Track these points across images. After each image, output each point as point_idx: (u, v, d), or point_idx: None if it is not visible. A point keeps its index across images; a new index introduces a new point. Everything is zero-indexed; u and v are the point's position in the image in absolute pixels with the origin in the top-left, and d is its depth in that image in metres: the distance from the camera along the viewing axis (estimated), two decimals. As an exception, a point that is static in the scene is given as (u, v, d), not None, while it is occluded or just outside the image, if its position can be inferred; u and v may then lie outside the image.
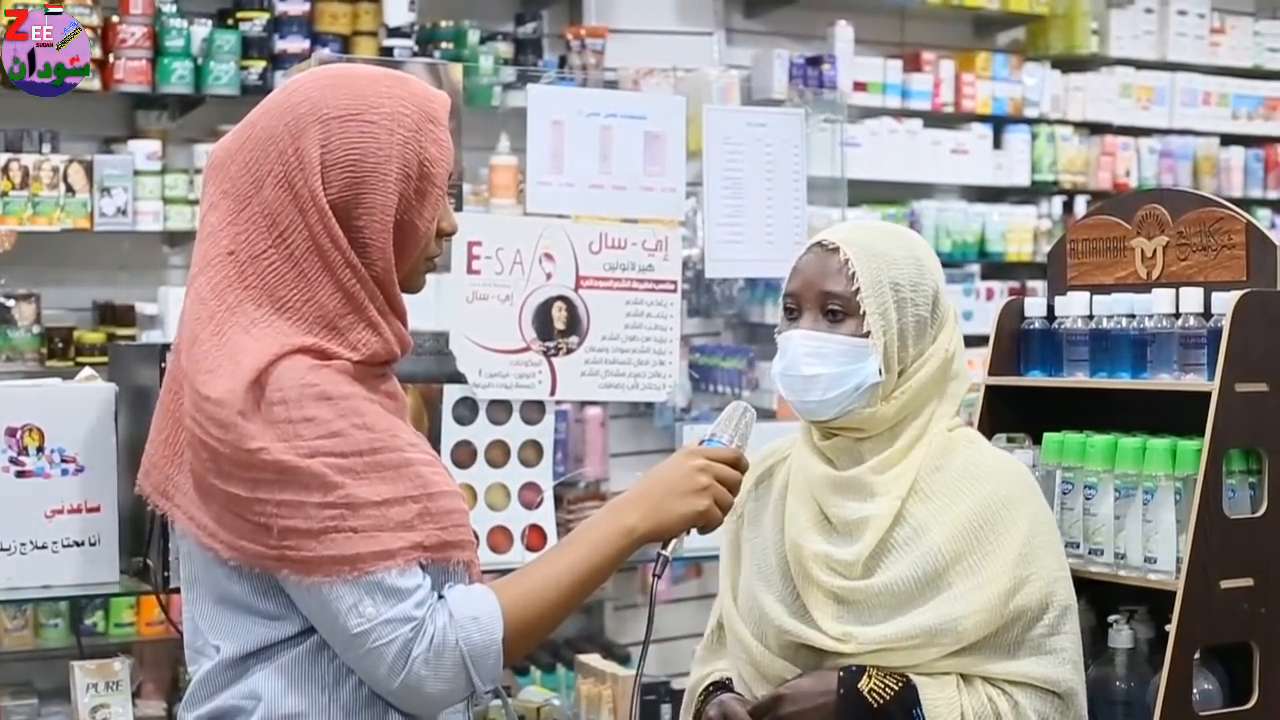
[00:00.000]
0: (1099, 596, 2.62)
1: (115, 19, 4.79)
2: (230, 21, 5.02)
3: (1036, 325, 2.81)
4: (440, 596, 1.84)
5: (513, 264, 3.51)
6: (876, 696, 2.19)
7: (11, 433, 2.90)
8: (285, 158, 1.85)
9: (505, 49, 5.39)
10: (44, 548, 2.92)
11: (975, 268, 6.29)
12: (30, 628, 4.58)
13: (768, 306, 5.39)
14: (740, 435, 2.08)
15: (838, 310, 2.27)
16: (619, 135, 3.64)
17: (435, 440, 3.47)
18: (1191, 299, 2.54)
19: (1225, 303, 2.45)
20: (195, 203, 4.88)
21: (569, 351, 3.56)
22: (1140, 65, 6.74)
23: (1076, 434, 2.61)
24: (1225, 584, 2.41)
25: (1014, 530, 2.25)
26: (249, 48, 4.98)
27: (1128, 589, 2.54)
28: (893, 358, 2.27)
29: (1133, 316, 2.64)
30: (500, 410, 3.53)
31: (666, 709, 3.59)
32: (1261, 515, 2.46)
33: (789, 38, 5.94)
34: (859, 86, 6.03)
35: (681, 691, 3.32)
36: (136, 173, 4.80)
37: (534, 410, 3.57)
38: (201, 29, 4.94)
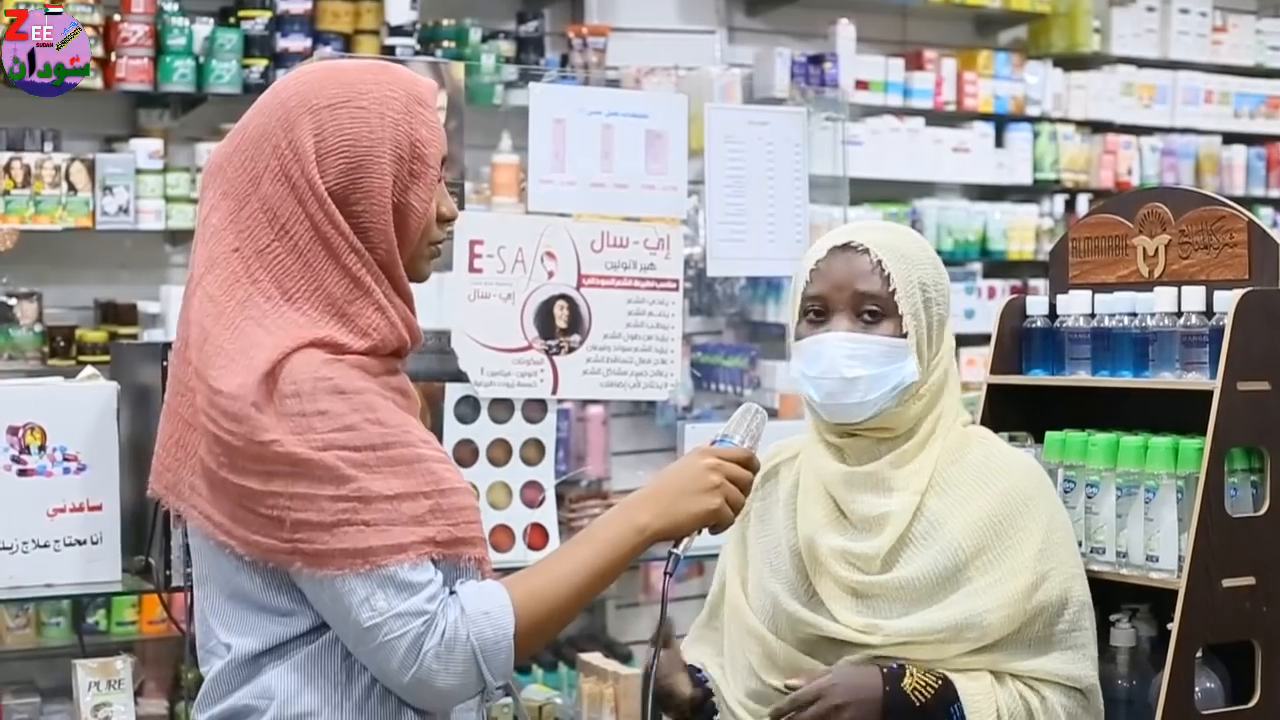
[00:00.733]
0: (1101, 595, 2.61)
1: (117, 17, 4.79)
2: (232, 20, 5.02)
3: (1038, 324, 2.81)
4: (452, 592, 1.84)
5: (514, 262, 3.51)
6: (919, 695, 2.20)
7: (13, 431, 2.90)
8: (280, 152, 1.86)
9: (507, 47, 5.40)
10: (46, 546, 2.92)
11: (977, 266, 6.29)
12: (32, 626, 4.58)
13: (769, 305, 5.40)
14: (752, 436, 2.08)
15: (875, 311, 2.28)
16: (621, 134, 3.64)
17: (437, 439, 3.47)
18: (1193, 298, 2.54)
19: (1227, 301, 2.45)
20: (197, 201, 4.85)
21: (571, 350, 3.56)
22: (1142, 64, 6.74)
23: (1078, 433, 2.61)
24: (1227, 583, 2.41)
25: (1033, 526, 2.27)
26: (251, 46, 4.98)
27: (1130, 587, 2.54)
28: (924, 357, 2.29)
29: (1134, 315, 2.64)
30: (502, 409, 3.53)
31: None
32: (1263, 514, 2.46)
33: (791, 36, 5.94)
34: (861, 85, 6.03)
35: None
36: (138, 171, 4.81)
37: (536, 409, 3.57)
38: (203, 27, 4.94)
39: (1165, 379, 2.56)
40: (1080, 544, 2.57)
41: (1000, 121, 6.39)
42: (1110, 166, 6.61)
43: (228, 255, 1.86)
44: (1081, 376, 2.71)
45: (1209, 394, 2.42)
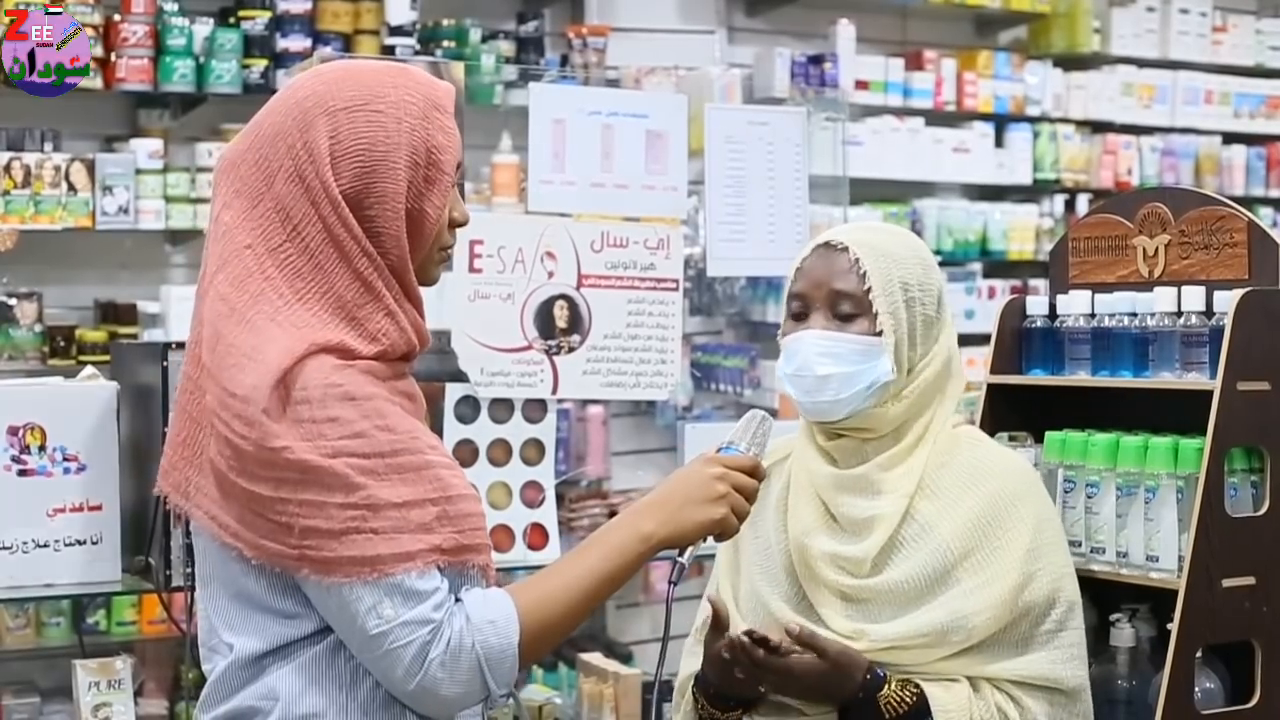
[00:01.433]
0: (1101, 595, 2.62)
1: (117, 18, 4.79)
2: (232, 20, 5.02)
3: (1038, 324, 2.81)
4: (457, 599, 1.84)
5: (514, 262, 3.51)
6: (891, 709, 2.19)
7: (13, 431, 2.89)
8: (295, 152, 1.85)
9: (507, 47, 5.40)
10: (46, 546, 2.92)
11: (977, 266, 6.29)
12: (32, 626, 4.58)
13: (769, 305, 5.39)
14: (757, 443, 2.08)
15: (849, 310, 2.28)
16: (621, 134, 3.64)
17: (438, 439, 3.47)
18: (1193, 298, 2.54)
19: (1227, 301, 2.45)
20: (197, 201, 4.89)
21: (571, 350, 3.56)
22: (1142, 64, 6.74)
23: (1078, 433, 2.61)
24: (1227, 583, 2.41)
25: (1021, 526, 2.26)
26: (251, 46, 4.99)
27: (1129, 587, 2.54)
28: (903, 357, 2.28)
29: (1134, 315, 2.64)
30: (502, 409, 3.53)
31: (668, 707, 3.59)
32: (1263, 514, 2.46)
33: (791, 36, 5.94)
34: (861, 85, 6.03)
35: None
36: (138, 171, 4.81)
37: (536, 409, 3.57)
38: (203, 28, 4.94)
39: (1165, 379, 2.56)
40: (1080, 544, 2.57)
41: (1000, 121, 6.39)
42: (1110, 166, 6.61)
43: (240, 252, 1.86)
44: (1081, 376, 2.71)
45: (1209, 394, 2.42)
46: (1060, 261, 2.87)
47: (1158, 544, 2.47)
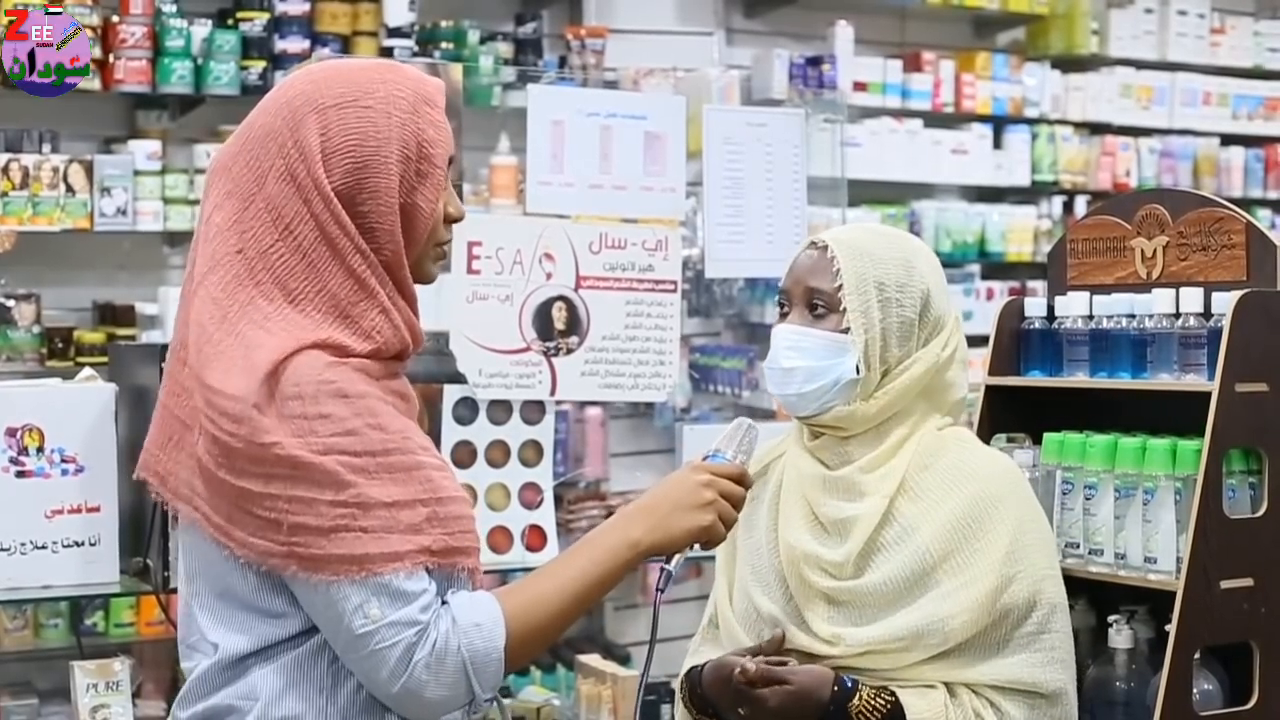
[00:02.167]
0: (1099, 597, 2.62)
1: (115, 19, 4.79)
2: (230, 21, 5.02)
3: (1036, 325, 2.81)
4: (444, 602, 1.84)
5: (513, 264, 3.51)
6: (863, 717, 2.19)
7: (11, 433, 2.89)
8: (286, 151, 1.85)
9: (505, 49, 5.39)
10: (44, 548, 2.92)
11: (975, 268, 6.29)
12: (30, 628, 4.58)
13: (768, 306, 5.39)
14: (744, 450, 2.09)
15: (820, 306, 2.30)
16: (619, 135, 3.64)
17: (435, 440, 3.47)
18: (1191, 299, 2.54)
19: (1225, 303, 2.45)
20: (196, 203, 4.88)
21: (569, 351, 3.56)
22: (1140, 65, 6.74)
23: (1076, 434, 2.61)
24: (1225, 584, 2.41)
25: (1001, 528, 2.25)
26: (249, 48, 4.98)
27: (1128, 589, 2.54)
28: (874, 356, 2.27)
29: (1133, 316, 2.64)
30: (500, 410, 3.53)
31: (667, 709, 3.59)
32: (1261, 515, 2.46)
33: (789, 38, 5.94)
34: (859, 86, 6.03)
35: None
36: (136, 173, 4.80)
37: (534, 410, 3.57)
38: (202, 29, 4.94)
39: (1163, 380, 2.56)
40: (1078, 546, 2.57)
41: (998, 123, 6.39)
42: (1108, 168, 6.61)
43: (231, 257, 1.85)
44: (1080, 378, 2.71)
45: (1207, 395, 2.42)
46: (1058, 263, 2.87)
47: (1156, 545, 2.47)
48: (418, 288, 1.95)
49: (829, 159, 4.26)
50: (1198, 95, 6.87)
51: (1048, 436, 2.66)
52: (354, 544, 1.77)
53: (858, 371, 2.27)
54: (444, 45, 5.20)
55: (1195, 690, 2.42)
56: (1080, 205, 6.51)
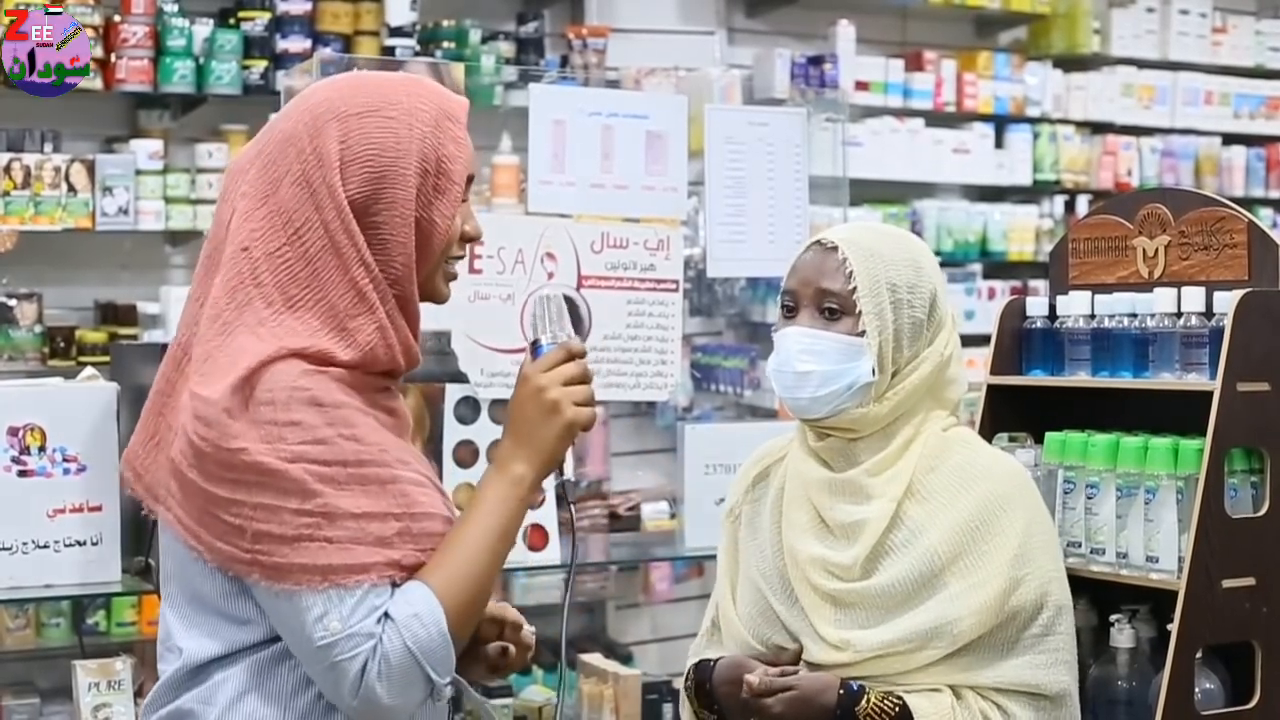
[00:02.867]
0: (1101, 596, 2.62)
1: (117, 18, 4.79)
2: (232, 21, 5.02)
3: (1038, 324, 2.81)
4: None
5: (514, 263, 3.51)
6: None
7: (13, 432, 2.89)
8: (304, 156, 1.85)
9: (507, 48, 5.39)
10: (46, 547, 2.92)
11: (977, 267, 6.29)
12: (32, 627, 4.58)
13: (769, 306, 5.39)
14: (558, 326, 2.00)
15: (834, 308, 2.28)
16: (621, 135, 3.63)
17: (437, 440, 3.47)
18: (1193, 298, 2.54)
19: (1227, 302, 2.45)
20: (197, 202, 4.89)
21: (571, 351, 3.55)
22: (1142, 64, 6.74)
23: (1078, 433, 2.61)
24: (1227, 583, 2.41)
25: (1010, 530, 2.25)
26: (251, 47, 4.99)
27: (1129, 588, 2.54)
28: (887, 358, 2.27)
29: (1134, 316, 2.64)
30: (502, 409, 3.51)
31: (668, 708, 3.59)
32: (1263, 515, 2.46)
33: (791, 37, 5.94)
34: (861, 86, 6.03)
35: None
36: (138, 172, 4.81)
37: (536, 410, 3.56)
38: (203, 28, 4.94)
39: (1165, 380, 2.56)
40: (1080, 545, 2.57)
41: (1000, 122, 6.39)
42: (1110, 167, 6.61)
43: (236, 254, 1.85)
44: (1081, 377, 2.71)
45: (1209, 395, 2.42)
46: (1060, 262, 2.87)
47: (1158, 545, 2.47)
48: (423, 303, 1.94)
49: (830, 158, 4.25)
50: (1199, 95, 6.87)
51: (1049, 436, 2.66)
52: (317, 554, 1.76)
53: (873, 374, 2.26)
54: (445, 45, 5.20)
55: (1197, 689, 2.42)
56: (1082, 205, 6.50)
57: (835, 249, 2.29)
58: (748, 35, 5.99)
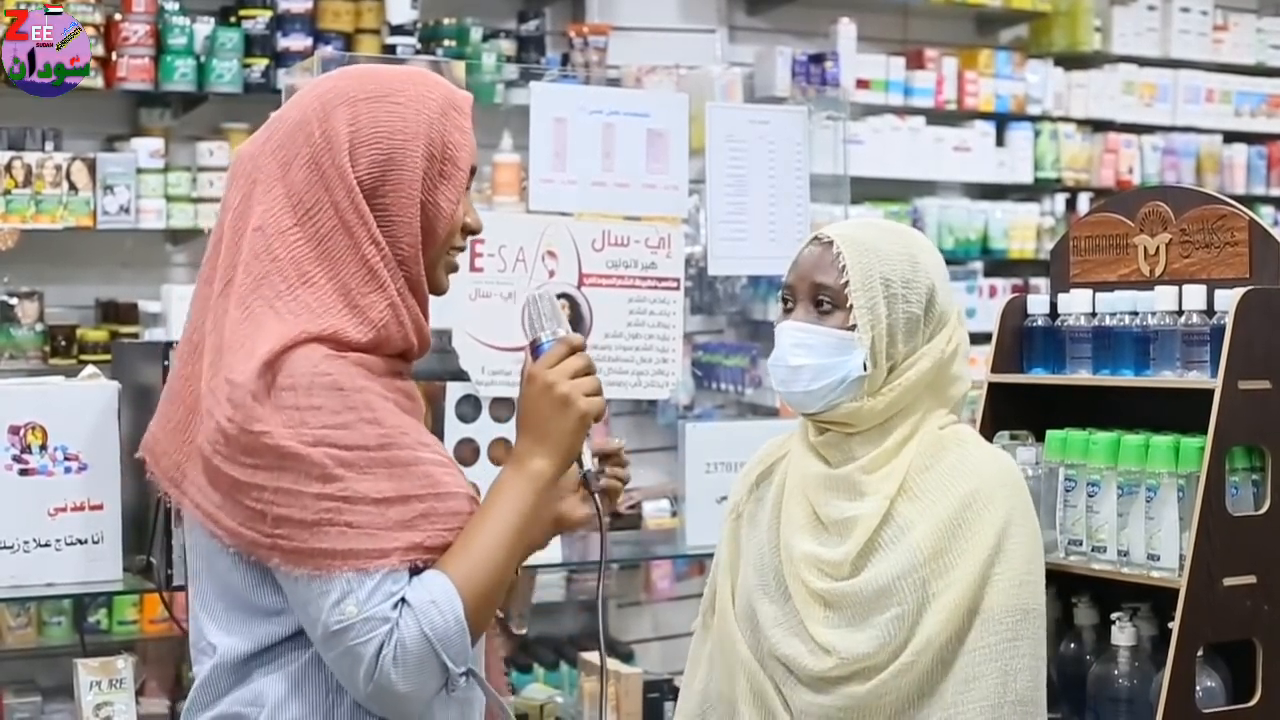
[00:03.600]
0: (1102, 594, 2.62)
1: (118, 17, 4.79)
2: (233, 19, 5.02)
3: (1039, 322, 2.81)
4: None
5: (515, 261, 3.51)
6: None
7: (14, 431, 2.89)
8: (313, 140, 1.88)
9: (508, 46, 5.40)
10: (47, 546, 2.92)
11: (978, 265, 6.29)
12: (33, 625, 4.59)
13: (770, 304, 5.39)
14: (554, 322, 2.03)
15: (826, 302, 2.28)
16: (621, 133, 3.63)
17: (438, 438, 3.47)
18: (1194, 296, 2.54)
19: (1228, 300, 2.45)
20: (198, 201, 4.89)
21: (572, 349, 3.55)
22: (1143, 62, 6.74)
23: (1079, 431, 2.61)
24: (1228, 581, 2.41)
25: (987, 529, 2.22)
26: (252, 45, 4.99)
27: (1130, 586, 2.54)
28: (881, 353, 2.27)
29: (1135, 314, 2.64)
30: (503, 408, 3.53)
31: (669, 706, 3.59)
32: (1264, 513, 2.46)
33: (792, 35, 5.94)
34: (862, 84, 6.03)
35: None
36: (139, 171, 4.81)
37: (537, 408, 3.56)
38: (204, 27, 4.94)
39: (1166, 378, 2.56)
40: (1081, 543, 2.57)
41: (1001, 120, 6.38)
42: (1111, 165, 6.61)
43: (250, 235, 1.87)
44: (1082, 375, 2.71)
45: (1210, 393, 2.42)
46: (1061, 260, 2.87)
47: (1159, 543, 2.47)
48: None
49: (832, 156, 4.25)
50: (1200, 92, 6.87)
51: (1050, 434, 2.66)
52: (338, 539, 1.77)
53: (864, 368, 2.26)
54: (446, 43, 5.21)
55: (1198, 687, 2.42)
56: (1083, 202, 6.50)
57: (830, 243, 2.30)
58: (749, 33, 5.99)
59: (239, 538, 1.81)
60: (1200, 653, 2.42)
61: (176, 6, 4.87)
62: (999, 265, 6.40)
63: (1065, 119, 6.53)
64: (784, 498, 2.35)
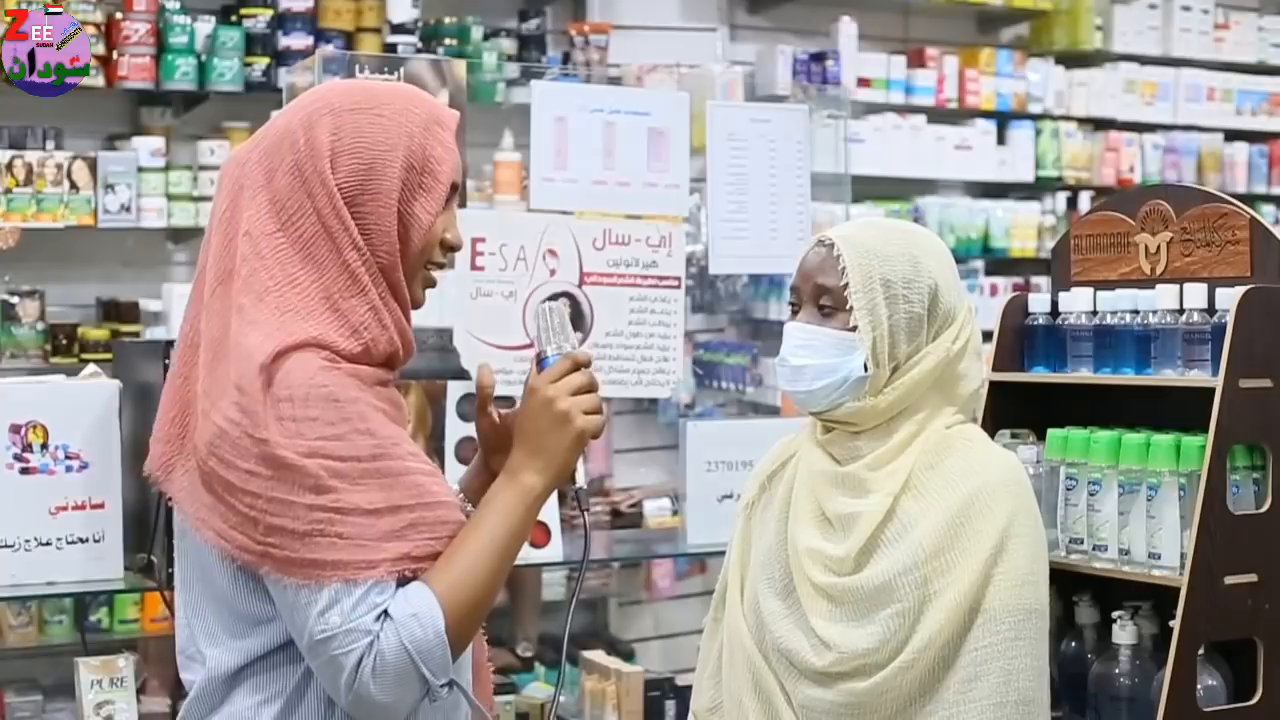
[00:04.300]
0: (1103, 593, 2.62)
1: (119, 15, 4.80)
2: (234, 18, 5.02)
3: (1040, 321, 2.81)
4: None
5: (516, 260, 3.51)
6: None
7: (16, 429, 2.90)
8: (297, 147, 1.90)
9: (509, 45, 5.40)
10: (48, 544, 2.92)
11: (979, 264, 6.29)
12: (35, 624, 4.59)
13: (771, 302, 5.40)
14: (561, 337, 2.04)
15: (828, 304, 2.30)
16: (623, 131, 3.64)
17: (439, 437, 3.47)
18: (1195, 295, 2.54)
19: (1229, 298, 2.45)
20: (199, 199, 4.89)
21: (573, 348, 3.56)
22: (1144, 61, 6.74)
23: (1080, 430, 2.61)
24: (1229, 580, 2.41)
25: (990, 529, 2.22)
26: (252, 44, 4.99)
27: (1131, 585, 2.54)
28: (883, 353, 2.27)
29: (1136, 312, 2.64)
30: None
31: (671, 705, 3.59)
32: (1265, 511, 2.46)
33: (793, 34, 5.95)
34: (863, 82, 6.03)
35: (686, 688, 3.33)
36: (140, 169, 4.81)
37: (538, 407, 3.56)
38: (205, 25, 4.95)
39: (1167, 376, 2.56)
40: (1082, 542, 2.57)
41: (1002, 119, 6.39)
42: (1112, 164, 6.62)
43: (238, 238, 1.89)
44: (1083, 374, 2.71)
45: (1211, 391, 2.42)
46: (1062, 259, 2.87)
47: (1160, 541, 2.47)
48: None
49: (833, 155, 4.25)
50: (1202, 91, 6.87)
51: (1051, 432, 2.65)
52: (328, 549, 1.79)
53: (866, 369, 2.27)
54: (447, 42, 5.21)
55: (1199, 686, 2.42)
56: (1084, 201, 6.51)
57: (831, 245, 2.31)
58: (750, 32, 5.99)
59: (228, 540, 1.82)
60: (1201, 651, 2.42)
61: (177, 5, 4.88)
62: (1000, 264, 6.40)
63: (1066, 117, 6.54)
64: (792, 494, 2.36)
